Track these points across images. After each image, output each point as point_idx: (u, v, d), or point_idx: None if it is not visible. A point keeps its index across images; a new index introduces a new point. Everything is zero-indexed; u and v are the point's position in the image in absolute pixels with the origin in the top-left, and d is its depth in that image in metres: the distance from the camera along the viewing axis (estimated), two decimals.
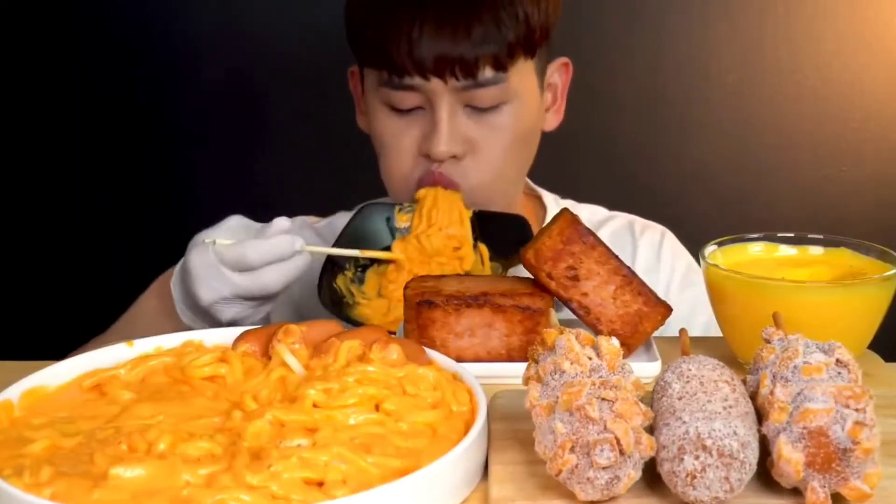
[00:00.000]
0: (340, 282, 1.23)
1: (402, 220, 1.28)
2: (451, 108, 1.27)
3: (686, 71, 2.15)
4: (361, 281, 1.24)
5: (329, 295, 1.19)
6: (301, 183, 2.05)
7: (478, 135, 1.29)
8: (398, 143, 1.31)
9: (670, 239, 1.52)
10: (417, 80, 1.25)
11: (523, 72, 1.30)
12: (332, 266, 1.22)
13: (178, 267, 1.19)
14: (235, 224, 1.17)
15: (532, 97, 1.33)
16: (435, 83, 1.25)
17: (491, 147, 1.30)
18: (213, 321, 1.16)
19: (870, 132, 2.18)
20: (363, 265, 1.25)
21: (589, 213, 1.51)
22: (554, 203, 1.50)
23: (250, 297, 1.13)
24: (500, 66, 1.26)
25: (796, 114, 2.17)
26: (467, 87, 1.26)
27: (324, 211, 1.56)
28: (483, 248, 1.27)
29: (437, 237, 1.24)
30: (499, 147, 1.30)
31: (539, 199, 1.52)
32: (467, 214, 1.27)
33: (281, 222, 1.14)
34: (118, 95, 2.13)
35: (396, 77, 1.26)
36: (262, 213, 1.22)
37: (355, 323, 1.15)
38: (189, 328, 1.17)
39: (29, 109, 2.15)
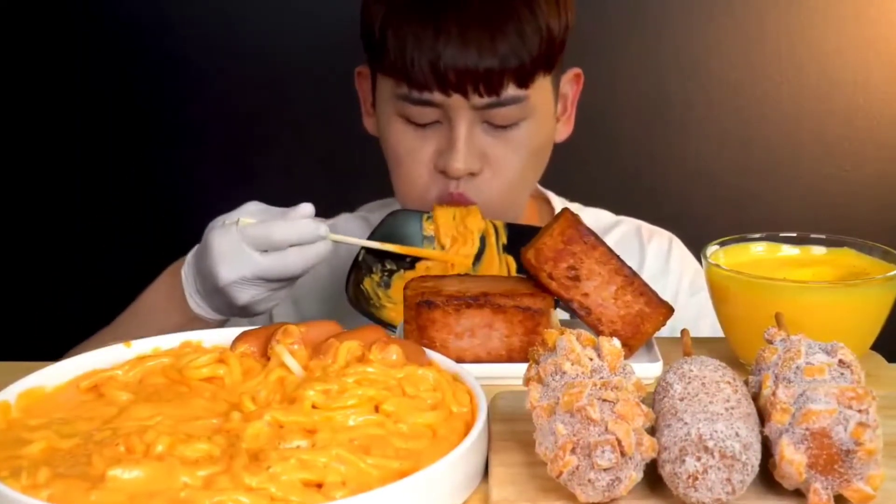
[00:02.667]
0: (367, 284, 1.23)
1: (429, 229, 1.28)
2: (470, 124, 1.25)
3: (687, 70, 2.15)
4: (388, 285, 1.24)
5: (355, 294, 1.20)
6: (301, 183, 2.03)
7: (495, 151, 1.27)
8: (414, 157, 1.29)
9: (678, 245, 1.51)
10: (437, 96, 1.23)
11: (541, 87, 1.28)
12: (359, 268, 1.23)
13: (192, 252, 1.19)
14: (254, 208, 1.16)
15: (548, 111, 1.32)
16: (455, 99, 1.23)
17: (508, 163, 1.28)
18: (227, 304, 1.16)
19: (872, 131, 2.17)
20: (389, 270, 1.25)
21: (595, 218, 1.50)
22: (562, 206, 1.49)
23: (270, 279, 1.13)
24: (523, 83, 1.24)
25: (798, 113, 2.16)
26: (489, 104, 1.23)
27: (324, 212, 1.56)
28: (510, 259, 1.27)
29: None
30: (516, 163, 1.29)
31: (547, 201, 1.51)
32: (478, 230, 1.27)
33: (305, 207, 1.14)
34: (118, 95, 2.13)
35: (416, 92, 1.23)
36: None
37: (381, 322, 1.16)
38: (197, 318, 1.17)
39: (29, 109, 2.15)
